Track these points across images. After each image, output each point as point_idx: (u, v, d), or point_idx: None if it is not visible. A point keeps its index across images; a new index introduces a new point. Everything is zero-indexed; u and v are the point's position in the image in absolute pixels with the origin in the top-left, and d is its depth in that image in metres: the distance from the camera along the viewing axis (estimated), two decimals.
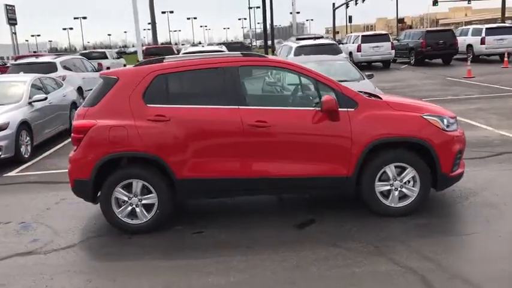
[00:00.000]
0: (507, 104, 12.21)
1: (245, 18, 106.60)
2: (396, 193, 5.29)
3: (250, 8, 73.08)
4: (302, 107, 5.33)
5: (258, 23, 76.86)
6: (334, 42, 20.12)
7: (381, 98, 5.63)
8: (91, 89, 16.50)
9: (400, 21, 63.60)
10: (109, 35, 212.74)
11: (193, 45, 64.34)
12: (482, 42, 24.97)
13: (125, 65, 29.56)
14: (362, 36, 26.26)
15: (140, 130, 5.12)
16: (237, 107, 5.18)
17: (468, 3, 63.19)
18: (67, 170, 5.43)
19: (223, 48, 15.81)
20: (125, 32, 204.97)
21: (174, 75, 5.34)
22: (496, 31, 25.16)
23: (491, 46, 24.88)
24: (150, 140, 5.13)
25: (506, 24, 29.65)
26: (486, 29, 25.44)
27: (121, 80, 5.31)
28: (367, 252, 4.54)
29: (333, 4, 63.33)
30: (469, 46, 25.88)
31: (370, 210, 5.37)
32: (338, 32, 65.17)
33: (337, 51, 14.88)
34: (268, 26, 40.90)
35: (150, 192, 5.24)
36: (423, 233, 4.92)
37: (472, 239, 4.77)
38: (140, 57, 25.01)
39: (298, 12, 69.88)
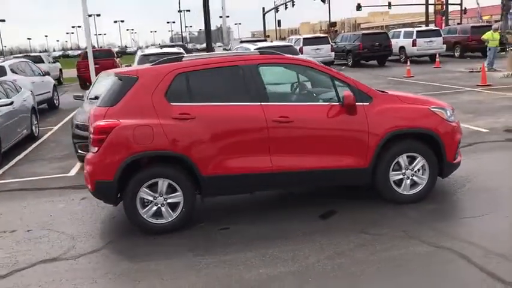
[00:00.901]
0: (455, 99, 13.14)
1: (174, 22, 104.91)
2: (408, 181, 5.64)
3: (180, 11, 72.51)
4: (321, 103, 5.54)
5: (187, 27, 76.62)
6: (291, 44, 20.48)
7: (387, 93, 5.97)
8: (42, 93, 15.64)
9: (333, 24, 65.88)
10: (29, 39, 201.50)
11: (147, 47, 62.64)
12: (414, 44, 26.61)
13: (60, 70, 28.39)
14: (303, 39, 27.04)
15: (166, 129, 5.10)
16: (259, 103, 5.30)
17: (388, 8, 66.49)
18: (85, 172, 5.28)
19: (181, 50, 15.76)
20: (46, 36, 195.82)
21: (194, 73, 5.36)
22: (425, 34, 26.92)
23: (422, 48, 26.59)
24: (176, 139, 5.12)
25: (433, 28, 31.73)
26: (417, 31, 27.12)
27: (141, 79, 5.26)
28: (399, 236, 4.83)
29: (263, 8, 64.48)
30: (402, 48, 27.44)
31: (384, 198, 5.67)
32: (268, 36, 66.25)
33: (293, 53, 15.21)
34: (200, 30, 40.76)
35: (175, 191, 5.22)
36: (439, 217, 5.29)
37: (484, 220, 5.17)
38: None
39: (227, 16, 70.31)
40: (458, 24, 44.92)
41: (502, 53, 22.58)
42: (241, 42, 22.65)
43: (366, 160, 5.47)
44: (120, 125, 5.08)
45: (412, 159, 5.62)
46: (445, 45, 26.68)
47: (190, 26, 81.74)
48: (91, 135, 5.19)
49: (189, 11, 76.02)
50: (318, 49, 26.03)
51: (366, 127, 5.42)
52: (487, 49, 19.98)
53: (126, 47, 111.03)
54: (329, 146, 5.44)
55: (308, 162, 5.39)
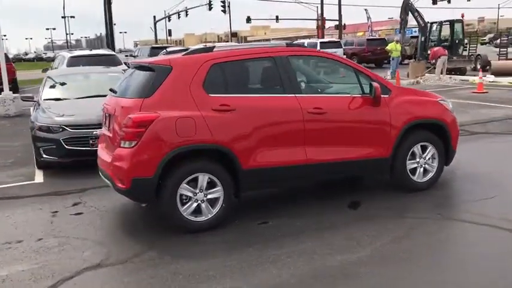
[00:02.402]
0: None
1: (54, 28, 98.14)
2: (421, 169, 5.98)
3: (64, 17, 68.22)
4: (348, 95, 5.66)
5: (67, 34, 72.16)
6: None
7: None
8: None
9: (234, 35, 66.74)
10: None
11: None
12: None
13: None
14: (320, 42, 28.63)
15: (208, 121, 4.87)
16: (294, 95, 5.29)
17: (276, 21, 69.23)
18: (113, 168, 4.83)
19: (111, 51, 14.98)
20: None
21: (228, 64, 5.20)
22: (328, 45, 28.50)
23: None
24: (217, 131, 4.91)
25: (335, 39, 33.80)
26: (320, 42, 28.67)
27: (176, 69, 4.96)
28: (439, 219, 5.12)
29: (154, 17, 63.35)
30: None
31: (400, 186, 5.95)
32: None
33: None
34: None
35: (214, 186, 4.99)
36: (459, 200, 5.70)
37: (499, 200, 5.58)
38: None
39: (114, 24, 67.77)
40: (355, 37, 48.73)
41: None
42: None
43: (388, 150, 5.70)
44: (160, 117, 4.74)
45: (424, 149, 5.97)
46: (345, 56, 28.52)
47: (72, 34, 76.98)
48: (125, 129, 4.77)
49: (73, 17, 71.82)
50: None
51: (389, 118, 5.67)
52: (391, 59, 21.73)
53: (26, 53, 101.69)
54: (357, 136, 5.58)
55: (339, 153, 5.48)
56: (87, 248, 4.76)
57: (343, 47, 29.36)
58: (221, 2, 47.23)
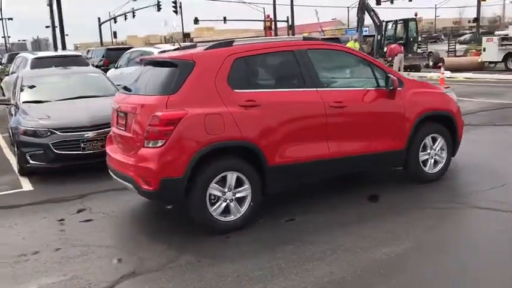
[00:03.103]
0: None
1: None
2: (432, 161, 6.06)
3: (1, 19, 64.81)
4: (366, 88, 5.63)
5: (4, 37, 68.74)
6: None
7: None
8: None
9: (187, 35, 65.75)
10: None
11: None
12: None
13: None
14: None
15: (235, 117, 4.71)
16: (315, 89, 5.22)
17: (224, 22, 69.14)
18: (138, 170, 4.57)
19: (77, 53, 14.34)
20: None
21: (250, 58, 5.05)
22: None
23: None
24: (245, 127, 4.75)
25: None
26: None
27: (199, 64, 4.76)
28: (463, 207, 5.21)
29: (99, 19, 61.38)
30: None
31: (413, 178, 6.02)
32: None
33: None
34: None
35: (242, 185, 4.83)
36: (471, 189, 5.76)
37: (510, 188, 5.77)
38: None
39: (56, 27, 65.08)
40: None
41: None
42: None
43: (403, 142, 5.74)
44: (189, 114, 4.53)
45: (434, 140, 6.05)
46: None
47: (9, 36, 73.08)
48: (152, 127, 4.52)
49: (11, 19, 68.24)
50: None
51: (404, 110, 5.70)
52: None
53: None
54: (375, 129, 5.58)
55: (360, 146, 5.46)
56: (113, 255, 4.48)
57: None
58: (173, 2, 46.42)
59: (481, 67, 21.64)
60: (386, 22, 24.13)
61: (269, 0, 51.51)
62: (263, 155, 4.85)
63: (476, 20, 47.24)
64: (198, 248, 4.54)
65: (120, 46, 26.72)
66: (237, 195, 4.81)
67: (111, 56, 21.09)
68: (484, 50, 21.98)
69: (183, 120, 4.50)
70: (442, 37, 65.06)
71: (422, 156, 5.97)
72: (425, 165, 6.02)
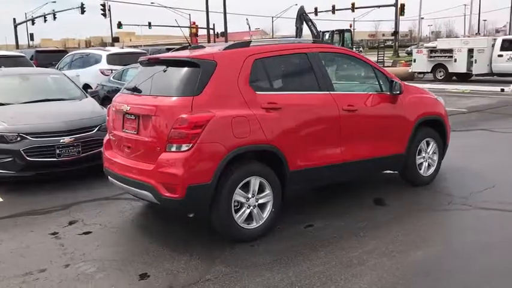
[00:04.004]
0: None
1: None
2: (426, 164, 6.22)
3: None
4: (371, 91, 5.65)
5: None
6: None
7: None
8: None
9: (116, 39, 63.30)
10: None
11: None
12: None
13: None
14: None
15: (260, 120, 4.53)
16: (328, 92, 5.16)
17: (149, 27, 67.75)
18: (175, 176, 4.20)
19: (21, 53, 13.27)
20: None
21: (269, 59, 4.89)
22: None
23: None
24: (269, 131, 4.59)
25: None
26: None
27: (221, 65, 4.53)
28: (469, 208, 5.35)
29: (14, 19, 57.71)
30: None
31: (408, 181, 6.14)
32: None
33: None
34: None
35: (263, 190, 4.66)
36: (467, 191, 5.87)
37: (501, 188, 6.02)
38: None
39: None
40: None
41: None
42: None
43: (404, 146, 5.84)
44: (216, 116, 4.29)
45: (427, 144, 6.22)
46: None
47: None
48: (177, 130, 4.21)
49: None
50: None
51: (405, 114, 5.81)
52: None
53: None
54: (382, 133, 5.62)
55: (369, 150, 5.47)
56: (137, 270, 4.10)
57: None
58: (101, 5, 44.72)
59: (412, 77, 22.82)
60: (323, 32, 24.82)
61: (195, 7, 50.95)
62: (285, 159, 4.71)
63: (395, 33, 50.08)
64: (226, 257, 4.29)
65: (51, 49, 25.09)
66: (259, 201, 4.63)
67: (41, 59, 19.99)
68: (415, 61, 23.23)
69: (211, 122, 4.25)
70: (361, 49, 68.12)
71: (418, 160, 6.11)
72: (420, 169, 6.16)
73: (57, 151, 6.55)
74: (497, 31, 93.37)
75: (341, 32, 24.83)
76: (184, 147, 4.22)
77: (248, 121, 4.45)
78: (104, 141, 5.31)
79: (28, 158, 6.42)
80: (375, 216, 5.21)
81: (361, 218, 5.13)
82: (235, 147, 4.36)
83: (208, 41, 48.06)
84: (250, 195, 4.55)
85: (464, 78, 21.85)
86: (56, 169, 6.65)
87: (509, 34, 45.11)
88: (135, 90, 4.85)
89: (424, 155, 6.16)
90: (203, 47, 5.20)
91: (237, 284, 3.80)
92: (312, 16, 49.13)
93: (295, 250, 4.39)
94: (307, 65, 5.12)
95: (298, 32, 24.22)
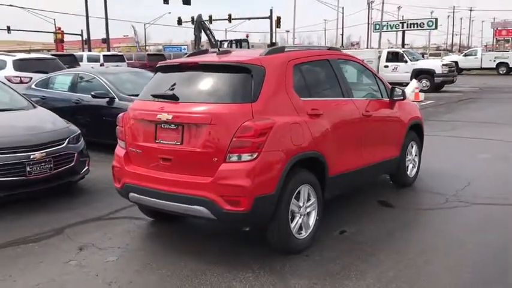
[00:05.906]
0: None
1: None
2: (410, 165, 6.61)
3: None
4: (376, 98, 5.84)
5: None
6: (54, 57, 15.11)
7: None
8: None
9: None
10: None
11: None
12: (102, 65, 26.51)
13: None
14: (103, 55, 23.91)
15: (309, 127, 4.45)
16: (350, 98, 5.26)
17: (8, 32, 62.21)
18: (241, 187, 3.93)
19: None
20: None
21: (303, 65, 4.82)
22: (111, 58, 27.28)
23: None
24: (316, 138, 4.52)
25: (118, 53, 32.33)
26: (103, 55, 27.17)
27: (269, 70, 4.35)
28: (469, 205, 5.77)
29: None
30: None
31: (397, 182, 6.50)
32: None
33: (60, 67, 12.96)
34: None
35: (309, 198, 4.57)
36: (452, 189, 6.28)
37: (478, 185, 6.58)
38: None
39: None
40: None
41: None
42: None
43: (399, 149, 6.16)
44: (277, 123, 4.11)
45: (411, 146, 6.61)
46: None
47: None
48: (241, 139, 3.94)
49: None
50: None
51: (400, 119, 6.13)
52: None
53: None
54: (388, 138, 5.88)
55: (380, 154, 5.69)
56: None
57: (129, 61, 28.47)
58: None
59: None
60: (221, 41, 25.02)
61: (60, 10, 47.31)
62: (327, 165, 4.68)
63: (272, 44, 52.20)
64: (292, 270, 4.11)
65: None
66: (307, 210, 4.53)
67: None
68: None
69: (274, 130, 4.07)
70: None
71: (407, 162, 6.47)
72: (407, 170, 6.53)
73: (28, 168, 5.70)
74: (352, 44, 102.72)
75: (238, 41, 25.28)
76: (247, 157, 3.97)
77: (301, 128, 4.35)
78: (120, 154, 4.75)
79: None
80: (390, 218, 5.40)
81: (383, 223, 5.22)
82: (294, 155, 4.22)
83: (89, 49, 44.55)
84: (301, 204, 4.43)
85: None
86: (27, 189, 5.78)
87: (368, 48, 49.71)
88: (171, 97, 4.40)
89: (409, 157, 6.53)
90: (230, 51, 4.94)
91: None
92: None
93: (336, 256, 4.36)
94: (332, 71, 5.16)
95: (197, 40, 24.07)
